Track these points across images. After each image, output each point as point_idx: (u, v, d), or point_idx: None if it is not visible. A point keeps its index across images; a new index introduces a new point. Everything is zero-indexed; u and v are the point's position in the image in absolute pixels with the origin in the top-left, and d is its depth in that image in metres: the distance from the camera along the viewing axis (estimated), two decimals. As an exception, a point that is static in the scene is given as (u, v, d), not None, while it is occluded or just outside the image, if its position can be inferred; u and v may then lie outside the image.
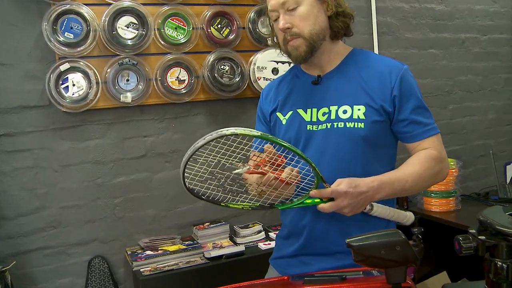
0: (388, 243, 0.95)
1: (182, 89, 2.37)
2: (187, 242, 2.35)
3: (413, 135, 1.34)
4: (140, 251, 2.26)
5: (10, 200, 2.14)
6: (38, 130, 2.17)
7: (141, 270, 2.10)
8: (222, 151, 1.11)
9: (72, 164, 2.24)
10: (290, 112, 1.41)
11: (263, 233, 2.49)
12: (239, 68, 2.46)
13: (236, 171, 1.12)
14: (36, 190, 2.18)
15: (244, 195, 1.23)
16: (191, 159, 1.10)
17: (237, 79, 2.45)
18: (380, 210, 1.32)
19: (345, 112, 1.33)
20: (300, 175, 1.20)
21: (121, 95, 2.23)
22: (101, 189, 2.29)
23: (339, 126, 1.33)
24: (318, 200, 1.21)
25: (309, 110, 1.39)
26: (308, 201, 1.23)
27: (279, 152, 1.16)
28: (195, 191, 1.19)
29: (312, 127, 1.37)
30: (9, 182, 2.14)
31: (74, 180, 2.24)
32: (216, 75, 2.39)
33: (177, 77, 2.36)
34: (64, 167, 2.22)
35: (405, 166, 1.33)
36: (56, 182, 2.21)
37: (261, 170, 1.13)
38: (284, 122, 1.42)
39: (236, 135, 1.05)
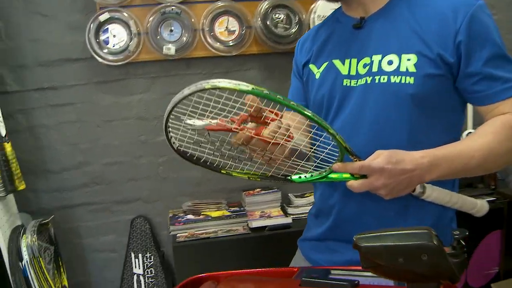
0: (411, 249, 0.66)
1: (232, 41, 2.13)
2: (233, 209, 2.18)
3: (487, 94, 0.98)
4: (182, 215, 2.13)
5: (55, 154, 2.13)
6: (80, 84, 2.10)
7: (177, 235, 1.98)
8: (209, 108, 0.87)
9: (114, 119, 2.14)
10: (325, 64, 1.12)
11: (318, 204, 2.23)
12: (297, 17, 2.15)
13: (188, 121, 0.88)
14: (79, 145, 2.13)
15: (250, 163, 0.98)
16: (172, 116, 0.88)
17: (294, 30, 2.15)
18: (436, 194, 1.00)
19: (390, 63, 1.01)
20: (296, 136, 0.93)
21: (164, 46, 2.06)
22: (144, 146, 2.18)
23: (382, 81, 1.01)
24: (347, 175, 0.94)
25: (347, 61, 1.09)
26: (334, 175, 0.96)
27: (275, 110, 0.89)
28: (188, 154, 0.97)
29: (350, 82, 1.07)
30: (53, 136, 2.11)
31: (117, 136, 2.16)
32: (269, 24, 2.11)
33: (226, 27, 2.12)
34: (107, 123, 2.14)
35: (472, 136, 0.99)
36: (99, 137, 2.14)
37: (229, 126, 0.88)
38: (317, 76, 1.13)
39: (219, 89, 0.80)
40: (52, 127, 2.10)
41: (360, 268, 0.95)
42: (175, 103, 0.85)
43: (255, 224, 2.00)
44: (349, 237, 1.09)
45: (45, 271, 1.84)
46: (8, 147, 1.83)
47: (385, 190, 0.91)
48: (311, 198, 2.27)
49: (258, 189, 2.29)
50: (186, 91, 0.83)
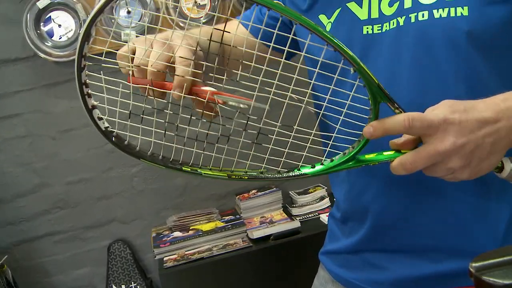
0: None
1: (203, 17, 1.78)
2: (227, 218, 1.83)
3: None
4: (167, 233, 1.78)
5: (4, 179, 1.76)
6: (26, 89, 1.74)
7: (164, 258, 1.63)
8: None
9: (73, 128, 1.79)
10: (338, 10, 0.78)
11: (327, 199, 1.91)
12: (277, -18, 1.81)
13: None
14: (32, 164, 1.78)
15: (224, 157, 0.63)
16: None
17: None
18: None
19: None
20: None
21: (122, 32, 1.70)
22: (112, 157, 1.82)
23: (420, 18, 0.69)
24: (389, 153, 0.60)
25: (365, 2, 0.75)
26: (369, 156, 0.62)
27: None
28: (126, 142, 0.63)
29: (372, 29, 0.74)
30: (-1, 157, 1.74)
31: (78, 148, 1.81)
32: (246, -6, 1.77)
33: (195, 1, 1.79)
34: (64, 133, 1.78)
35: None
36: (56, 152, 1.79)
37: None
38: (328, 28, 0.79)
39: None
40: (-3, 146, 1.73)
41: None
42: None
43: (256, 234, 1.65)
44: (396, 244, 0.79)
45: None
46: None
47: (458, 159, 0.57)
48: (317, 193, 1.95)
49: (253, 191, 1.96)
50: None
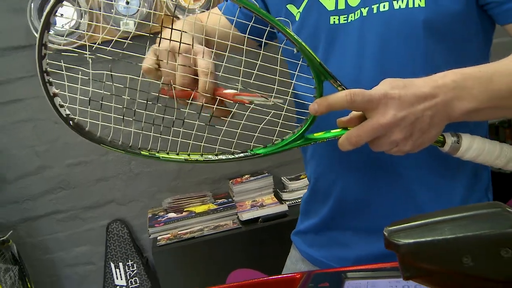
0: (483, 242, 0.40)
1: (200, 8, 1.84)
2: (220, 201, 1.91)
3: None
4: (162, 214, 1.87)
5: (9, 160, 1.84)
6: (29, 75, 1.80)
7: (158, 237, 1.72)
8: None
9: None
10: (306, 1, 0.84)
11: (316, 185, 1.97)
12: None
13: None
14: (35, 147, 1.85)
15: (181, 139, 0.67)
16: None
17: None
18: (477, 145, 0.67)
19: None
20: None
21: (121, 22, 1.77)
22: (111, 141, 1.89)
23: (382, 9, 0.74)
24: (336, 131, 0.65)
25: None
26: (318, 134, 0.66)
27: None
28: (86, 129, 0.66)
29: (339, 19, 0.79)
30: (4, 140, 1.82)
31: (78, 133, 1.86)
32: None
33: (191, -6, 1.84)
34: (65, 118, 1.84)
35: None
36: (57, 136, 1.86)
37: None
38: (297, 17, 0.85)
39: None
40: (2, 130, 1.81)
41: (381, 265, 0.70)
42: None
43: (246, 216, 1.74)
44: (358, 223, 0.85)
45: (6, 297, 1.57)
46: None
47: (400, 131, 0.60)
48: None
49: (246, 176, 2.03)
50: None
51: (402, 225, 0.45)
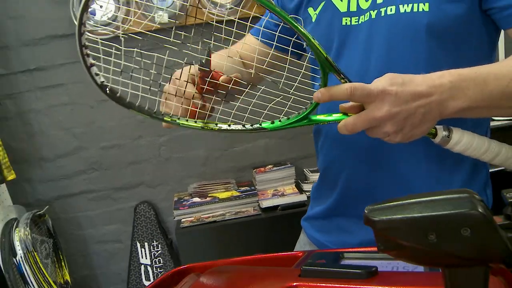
0: (446, 221, 0.45)
1: (230, 3, 1.91)
2: (243, 188, 1.99)
3: None
4: (187, 198, 1.96)
5: (48, 140, 1.98)
6: (70, 62, 1.93)
7: (182, 220, 1.81)
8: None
9: (108, 99, 1.96)
10: (323, 3, 0.90)
11: (337, 178, 2.02)
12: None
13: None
14: (73, 129, 1.98)
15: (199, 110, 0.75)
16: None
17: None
18: (467, 140, 0.73)
19: None
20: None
21: (156, 14, 1.86)
22: (143, 126, 2.00)
23: (389, 12, 0.79)
24: (338, 115, 0.70)
25: None
26: (320, 116, 0.72)
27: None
28: (118, 95, 0.73)
29: (350, 21, 0.85)
30: (45, 121, 1.95)
31: (112, 117, 1.98)
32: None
33: (223, -11, 1.91)
34: (101, 103, 1.97)
35: (509, 59, 0.74)
36: (93, 119, 1.98)
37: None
38: (314, 18, 0.91)
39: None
40: (43, 112, 1.95)
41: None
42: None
43: (266, 203, 1.81)
44: (361, 212, 0.88)
45: (41, 266, 1.70)
46: (-9, 134, 1.68)
47: (391, 125, 0.65)
48: (329, 173, 2.07)
49: (270, 166, 2.10)
50: None
51: (380, 205, 0.51)
